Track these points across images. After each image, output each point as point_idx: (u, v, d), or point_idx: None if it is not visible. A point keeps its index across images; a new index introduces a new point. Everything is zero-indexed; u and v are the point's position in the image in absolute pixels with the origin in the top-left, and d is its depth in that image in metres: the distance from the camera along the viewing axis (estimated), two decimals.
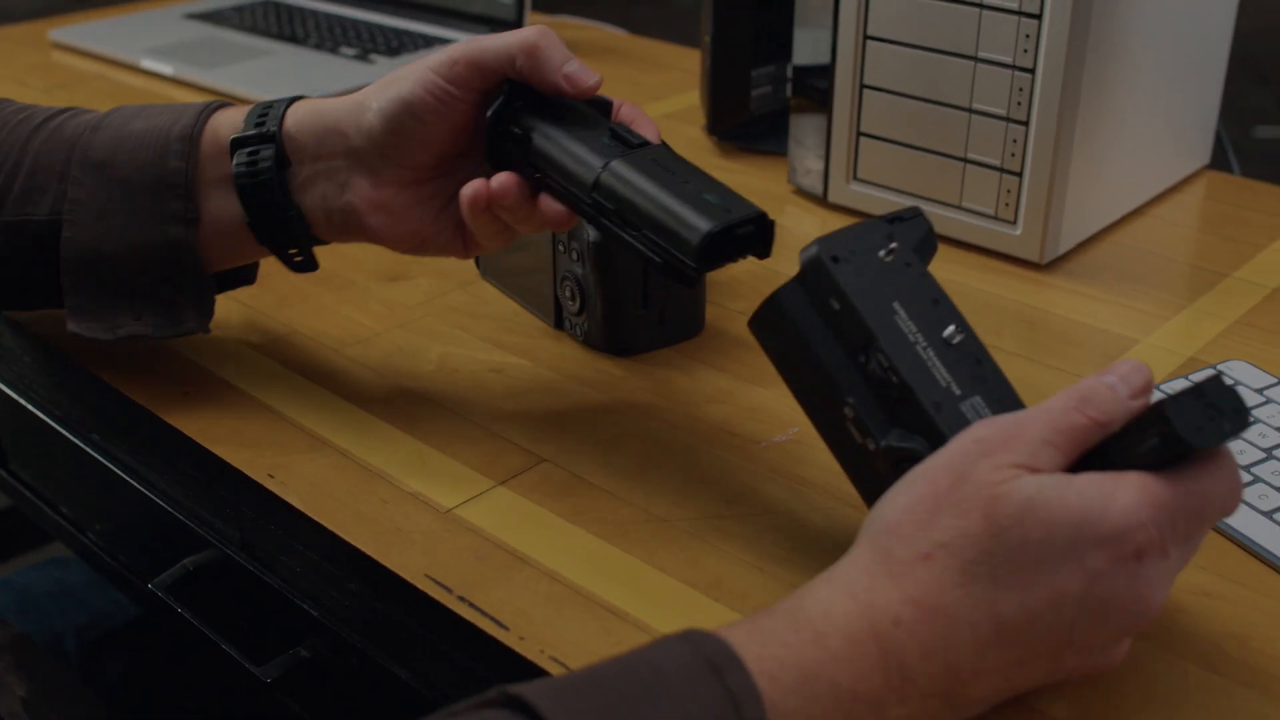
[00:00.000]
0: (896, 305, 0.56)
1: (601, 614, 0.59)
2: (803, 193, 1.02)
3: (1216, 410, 0.49)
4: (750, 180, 1.05)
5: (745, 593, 0.60)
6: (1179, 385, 0.74)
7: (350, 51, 1.31)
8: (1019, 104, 0.86)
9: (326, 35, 1.35)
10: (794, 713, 0.46)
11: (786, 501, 0.66)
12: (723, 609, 0.59)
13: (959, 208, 0.92)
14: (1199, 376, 0.74)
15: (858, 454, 0.57)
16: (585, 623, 0.59)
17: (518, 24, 1.33)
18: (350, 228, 0.71)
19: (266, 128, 0.70)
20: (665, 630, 0.57)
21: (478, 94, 0.67)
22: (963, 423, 0.54)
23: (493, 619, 0.59)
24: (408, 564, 0.62)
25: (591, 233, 0.76)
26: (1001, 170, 0.88)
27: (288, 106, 0.71)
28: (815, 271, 0.57)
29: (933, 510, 0.50)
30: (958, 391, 0.55)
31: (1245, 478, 0.67)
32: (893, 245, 0.58)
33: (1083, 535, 0.48)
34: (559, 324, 0.82)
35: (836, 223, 0.97)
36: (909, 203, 0.94)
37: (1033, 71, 0.85)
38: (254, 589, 0.68)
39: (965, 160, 0.90)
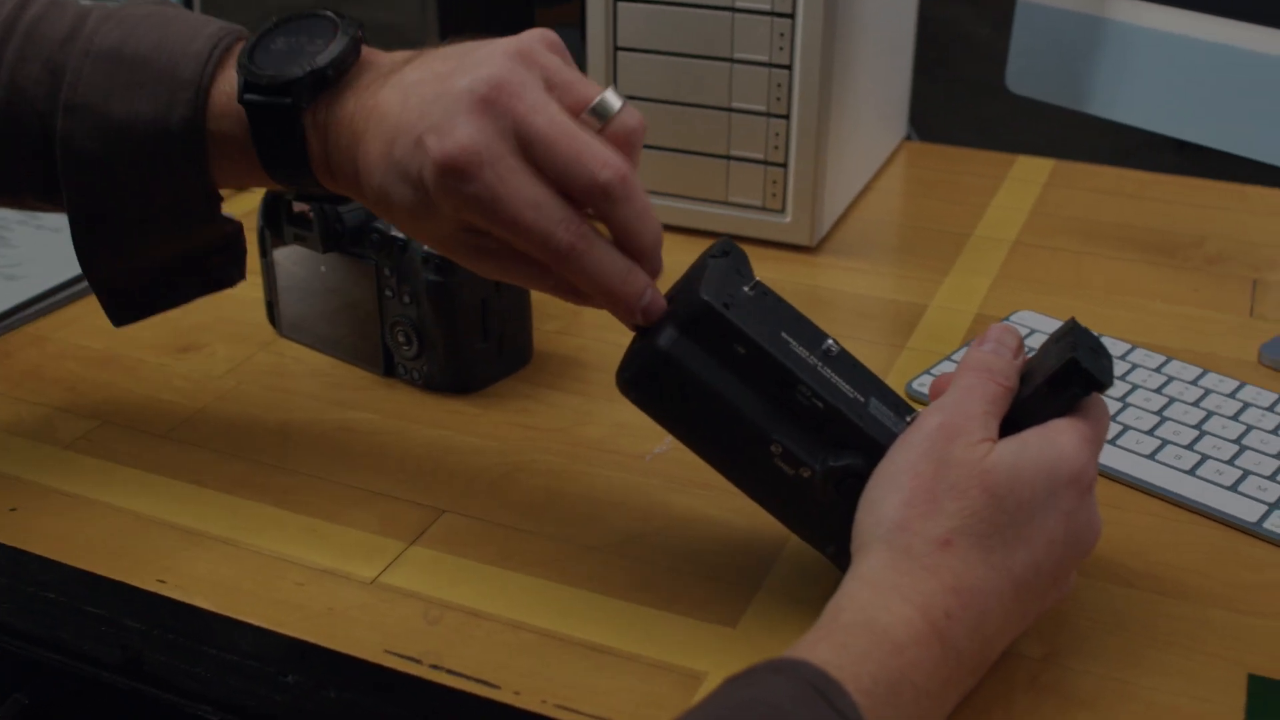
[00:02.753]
0: (785, 335, 0.57)
1: (583, 652, 0.59)
2: None
3: (1095, 352, 0.56)
4: None
5: (705, 602, 0.62)
6: None
7: None
8: (778, 99, 0.91)
9: None
10: None
11: (698, 508, 0.68)
12: (694, 622, 0.60)
13: (726, 203, 0.96)
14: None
15: (789, 486, 0.57)
16: (573, 664, 0.58)
17: None
18: None
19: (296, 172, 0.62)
20: (657, 656, 0.58)
21: None
22: (878, 425, 0.57)
23: (478, 680, 0.57)
24: (360, 643, 0.60)
25: (429, 273, 0.74)
26: (766, 163, 0.93)
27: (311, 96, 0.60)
28: (712, 320, 0.55)
29: (930, 499, 0.53)
30: (861, 398, 0.58)
31: None
32: (755, 280, 0.58)
33: (1055, 483, 0.54)
34: (389, 371, 0.79)
35: None
36: (675, 205, 0.97)
37: (790, 68, 0.90)
38: (117, 707, 0.63)
39: (729, 158, 0.94)
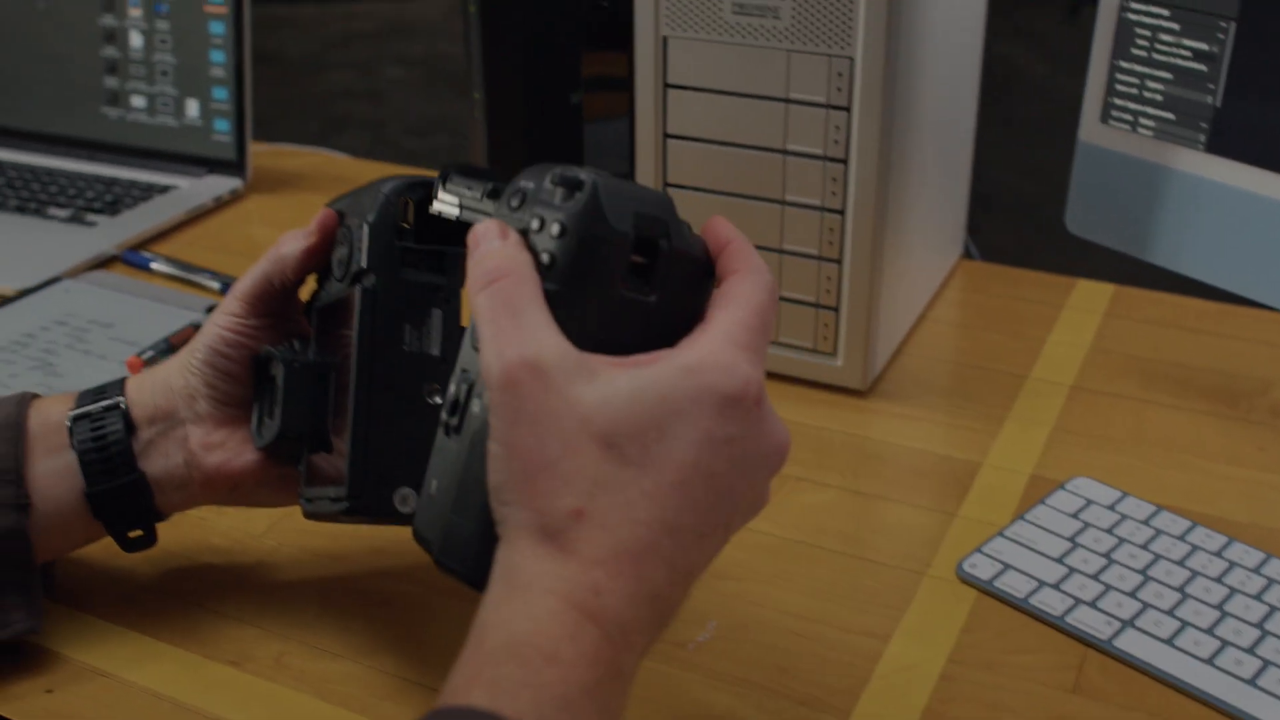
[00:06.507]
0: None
1: None
2: None
3: (566, 183, 0.52)
4: None
5: None
6: (1042, 512, 0.79)
7: (62, 213, 1.20)
8: (830, 243, 0.89)
9: (26, 193, 1.24)
10: None
11: (741, 711, 0.66)
12: None
13: (776, 343, 0.94)
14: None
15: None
16: None
17: (238, 164, 1.26)
18: (192, 482, 0.69)
19: (110, 398, 0.69)
20: None
21: (268, 316, 0.69)
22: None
23: None
24: None
25: None
26: (818, 306, 0.91)
27: (123, 381, 0.70)
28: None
29: (545, 467, 0.48)
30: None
31: (1134, 605, 0.72)
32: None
33: (700, 401, 0.49)
34: None
35: None
36: None
37: (842, 212, 0.88)
38: None
39: (781, 299, 0.92)
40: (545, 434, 0.48)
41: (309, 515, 0.67)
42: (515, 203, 0.53)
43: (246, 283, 0.68)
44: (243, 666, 0.69)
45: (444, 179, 0.62)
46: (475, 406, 0.52)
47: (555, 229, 0.50)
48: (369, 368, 0.62)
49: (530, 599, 0.48)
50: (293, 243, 0.67)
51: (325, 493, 0.65)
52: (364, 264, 0.63)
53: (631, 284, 0.52)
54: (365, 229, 0.63)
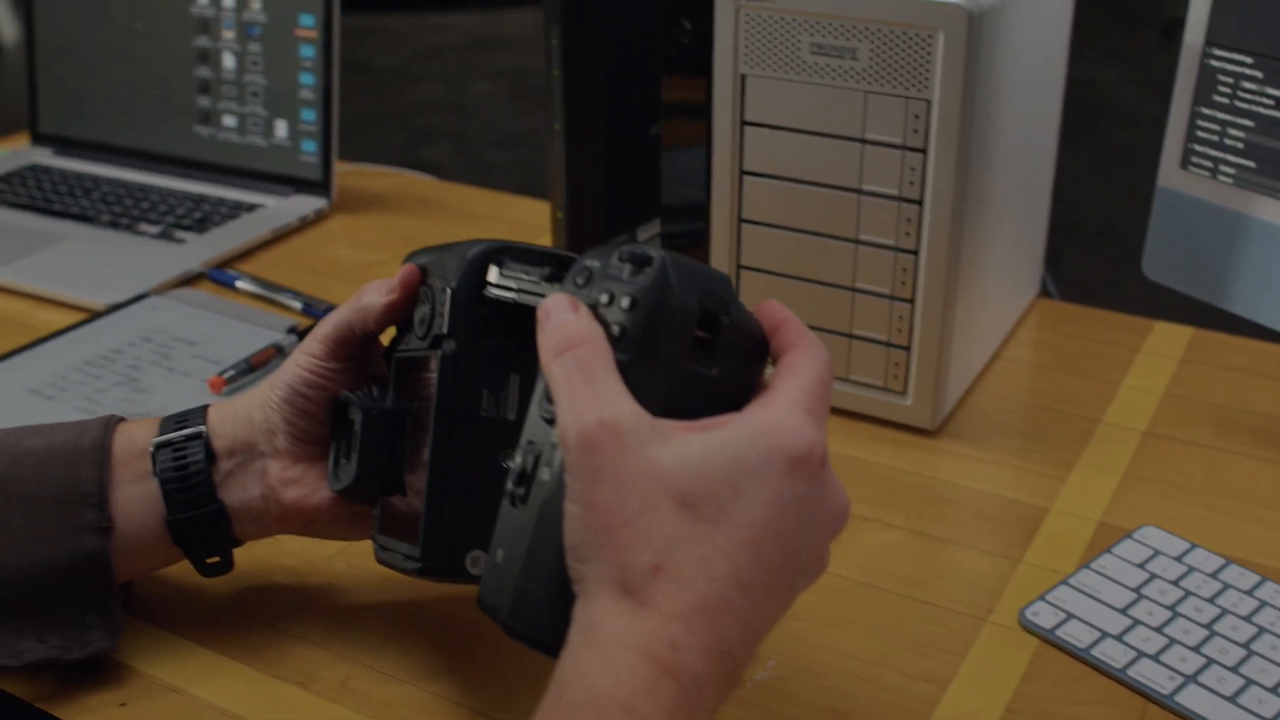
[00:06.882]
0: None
1: None
2: None
3: (635, 260, 0.53)
4: None
5: None
6: (1108, 561, 0.79)
7: (152, 229, 1.23)
8: (903, 283, 0.89)
9: (119, 208, 1.27)
10: None
11: None
12: None
13: (847, 380, 0.94)
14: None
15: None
16: None
17: (324, 184, 1.29)
18: (269, 515, 0.71)
19: (192, 426, 0.71)
20: None
21: (348, 360, 0.70)
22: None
23: None
24: None
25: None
26: (889, 345, 0.91)
27: (205, 409, 0.72)
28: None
29: (625, 523, 0.50)
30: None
31: (1198, 660, 0.71)
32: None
33: (771, 462, 0.51)
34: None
35: None
36: None
37: (916, 252, 0.88)
38: None
39: (851, 336, 0.93)
40: (625, 492, 0.50)
41: (381, 562, 0.69)
42: (581, 280, 0.54)
43: (328, 327, 0.70)
44: (309, 688, 0.71)
45: (499, 263, 0.63)
46: (544, 474, 0.53)
47: (626, 302, 0.52)
48: (446, 432, 0.64)
49: (609, 653, 0.49)
50: (375, 295, 0.69)
51: (399, 547, 0.67)
52: (445, 330, 0.64)
53: (695, 357, 0.53)
54: (448, 294, 0.65)
